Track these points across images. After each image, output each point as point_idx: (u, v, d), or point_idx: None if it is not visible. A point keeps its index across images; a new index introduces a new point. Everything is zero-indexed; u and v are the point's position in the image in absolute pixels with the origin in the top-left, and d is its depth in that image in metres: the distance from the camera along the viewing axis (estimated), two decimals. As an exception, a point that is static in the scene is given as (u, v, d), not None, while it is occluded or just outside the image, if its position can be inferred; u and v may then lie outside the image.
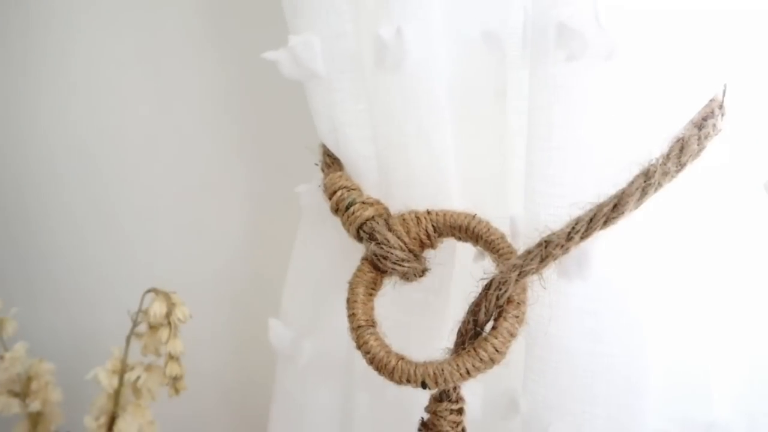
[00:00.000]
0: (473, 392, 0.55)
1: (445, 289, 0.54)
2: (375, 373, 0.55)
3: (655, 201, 0.45)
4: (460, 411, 0.49)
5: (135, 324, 0.65)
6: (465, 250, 0.53)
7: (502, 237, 0.49)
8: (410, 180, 0.53)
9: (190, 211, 0.80)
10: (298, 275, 0.63)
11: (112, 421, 0.68)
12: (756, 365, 0.49)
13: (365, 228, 0.52)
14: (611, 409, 0.47)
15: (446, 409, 0.49)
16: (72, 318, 0.85)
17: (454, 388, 0.49)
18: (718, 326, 0.48)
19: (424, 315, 0.55)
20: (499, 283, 0.45)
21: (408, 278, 0.52)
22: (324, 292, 0.60)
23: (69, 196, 0.85)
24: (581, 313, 0.46)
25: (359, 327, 0.49)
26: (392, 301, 0.54)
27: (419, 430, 0.50)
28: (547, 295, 0.47)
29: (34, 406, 0.69)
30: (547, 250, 0.44)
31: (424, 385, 0.46)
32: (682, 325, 0.47)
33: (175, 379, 0.62)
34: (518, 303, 0.46)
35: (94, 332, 0.79)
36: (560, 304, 0.47)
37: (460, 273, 0.54)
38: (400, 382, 0.47)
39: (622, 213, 0.43)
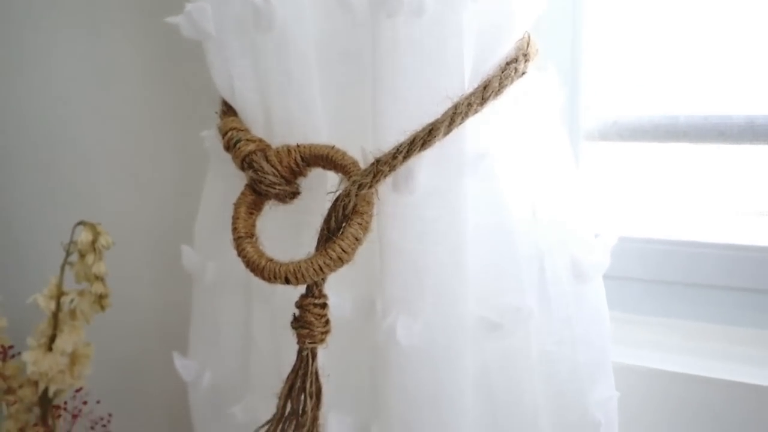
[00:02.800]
0: (343, 297, 0.66)
1: (320, 210, 0.65)
2: (263, 283, 0.67)
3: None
4: (323, 306, 0.60)
5: (68, 254, 0.76)
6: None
7: (354, 163, 0.60)
8: (288, 121, 0.64)
9: (125, 159, 0.91)
10: (206, 207, 0.74)
11: (51, 341, 0.79)
12: (551, 258, 0.60)
13: (247, 160, 0.63)
14: (438, 299, 0.58)
15: (311, 303, 0.60)
16: (14, 252, 0.96)
17: (317, 286, 0.60)
18: (528, 225, 0.59)
19: (305, 233, 0.66)
20: (343, 195, 0.56)
21: (282, 200, 0.63)
22: (226, 221, 0.71)
23: (18, 139, 0.96)
24: (413, 219, 0.58)
25: (239, 238, 0.61)
26: (280, 223, 0.66)
27: (291, 324, 0.61)
28: (389, 207, 0.59)
29: (-18, 332, 0.80)
30: (378, 167, 0.55)
31: (287, 281, 0.57)
32: (496, 223, 0.59)
33: (101, 297, 0.73)
34: (362, 213, 0.57)
35: (34, 265, 0.90)
36: (398, 215, 0.58)
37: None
38: (269, 279, 0.58)
39: (435, 137, 0.55)
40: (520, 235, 0.59)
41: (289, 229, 0.66)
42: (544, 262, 0.60)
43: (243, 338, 0.75)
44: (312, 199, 0.65)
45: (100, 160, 0.93)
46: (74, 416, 0.74)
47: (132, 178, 0.92)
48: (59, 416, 0.75)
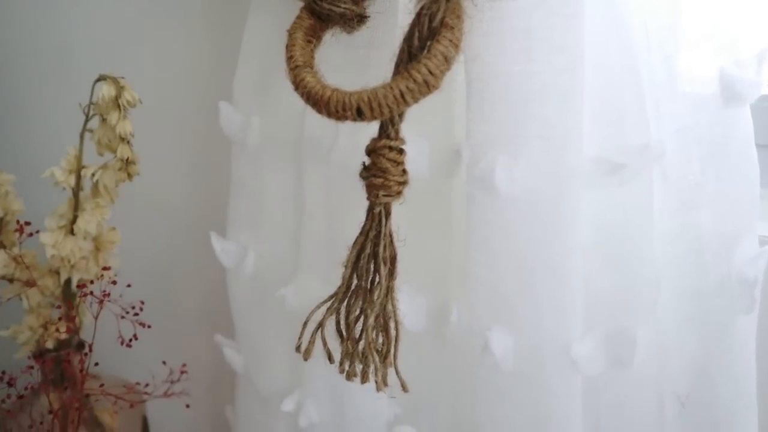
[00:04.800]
0: (420, 151, 0.55)
1: (388, 44, 0.54)
2: (322, 142, 0.56)
3: None
4: (400, 151, 0.49)
5: (87, 118, 0.65)
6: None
7: (438, -29, 0.48)
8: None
9: (146, 10, 0.79)
10: (248, 53, 0.63)
11: (72, 224, 0.69)
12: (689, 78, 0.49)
13: (303, -24, 0.51)
14: (546, 132, 0.47)
15: (385, 146, 0.49)
16: (28, 128, 0.85)
17: (393, 125, 0.49)
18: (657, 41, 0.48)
19: (368, 72, 0.55)
20: (430, 2, 0.45)
21: (347, 24, 0.52)
22: (272, 71, 0.60)
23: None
24: (514, 33, 0.46)
25: (296, 67, 0.49)
26: (341, 60, 0.55)
27: (361, 174, 0.50)
28: (482, 23, 0.47)
29: (-4, 213, 0.70)
30: (475, -41, 0.44)
31: (359, 113, 0.46)
32: (616, 43, 0.47)
33: (128, 163, 0.63)
34: (452, 27, 0.45)
35: (51, 141, 0.79)
36: (494, 31, 0.47)
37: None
38: (336, 113, 0.47)
39: None
40: (644, 56, 0.48)
41: (353, 67, 0.55)
42: (680, 83, 0.48)
43: (292, 210, 0.64)
44: (380, 29, 0.54)
45: (116, 16, 0.80)
46: (101, 300, 0.64)
47: (155, 33, 0.79)
48: (85, 296, 0.65)
